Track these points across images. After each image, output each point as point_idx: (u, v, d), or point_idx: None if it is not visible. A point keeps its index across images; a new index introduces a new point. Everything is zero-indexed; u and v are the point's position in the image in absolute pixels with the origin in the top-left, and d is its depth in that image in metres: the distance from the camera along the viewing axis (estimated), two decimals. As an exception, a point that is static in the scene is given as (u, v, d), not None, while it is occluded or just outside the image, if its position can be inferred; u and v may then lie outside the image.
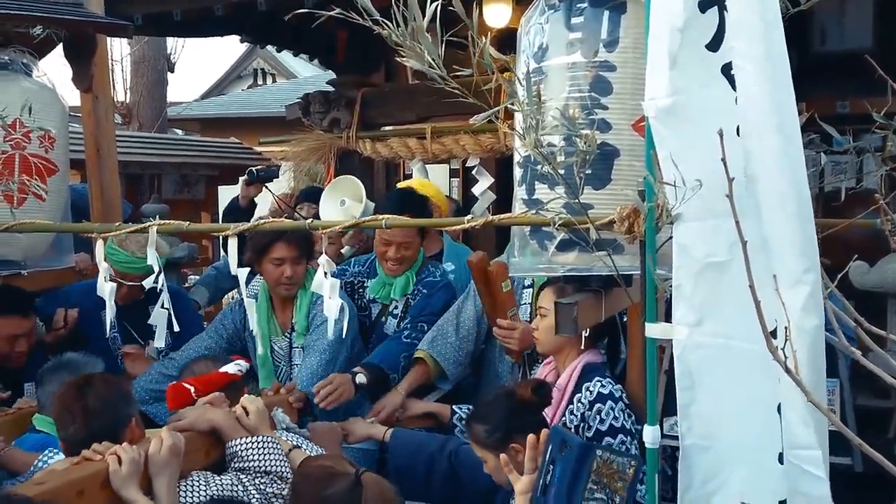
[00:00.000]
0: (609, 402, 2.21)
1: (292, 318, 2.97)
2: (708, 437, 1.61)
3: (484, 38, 1.57)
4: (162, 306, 2.43)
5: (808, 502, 1.41)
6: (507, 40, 2.15)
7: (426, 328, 2.91)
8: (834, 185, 2.27)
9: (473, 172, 4.53)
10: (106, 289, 2.35)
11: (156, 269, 2.31)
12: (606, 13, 1.85)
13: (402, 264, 3.05)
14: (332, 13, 1.61)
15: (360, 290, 3.16)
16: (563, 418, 2.29)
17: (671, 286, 1.57)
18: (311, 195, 4.24)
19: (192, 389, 2.21)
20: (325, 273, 2.18)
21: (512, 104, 1.68)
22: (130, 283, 2.97)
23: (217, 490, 1.90)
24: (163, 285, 2.34)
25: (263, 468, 1.99)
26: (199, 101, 17.43)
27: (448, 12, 1.58)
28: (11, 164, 2.83)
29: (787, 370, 1.19)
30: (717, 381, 1.58)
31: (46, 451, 2.13)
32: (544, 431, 1.86)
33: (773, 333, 1.29)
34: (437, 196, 3.73)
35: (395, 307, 3.11)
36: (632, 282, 1.84)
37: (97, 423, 1.91)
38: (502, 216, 2.02)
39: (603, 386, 2.25)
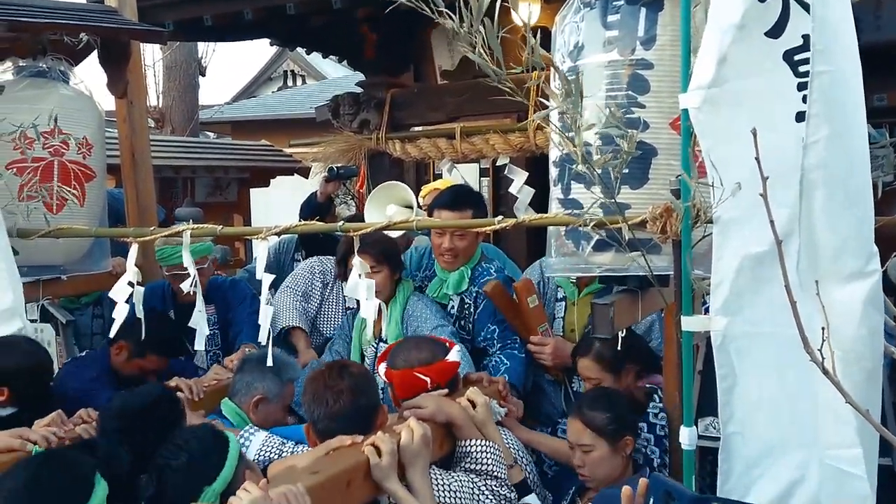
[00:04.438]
0: None
1: (382, 327, 2.89)
2: (750, 426, 1.59)
3: (534, 36, 1.56)
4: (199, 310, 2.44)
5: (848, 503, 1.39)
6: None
7: (505, 332, 2.82)
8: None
9: (505, 172, 4.51)
10: (128, 290, 2.39)
11: (192, 272, 2.34)
12: (643, 11, 1.83)
13: (456, 257, 2.93)
14: (389, 9, 1.60)
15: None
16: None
17: (708, 286, 1.55)
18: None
19: (429, 381, 2.16)
20: (360, 275, 2.19)
21: (546, 100, 1.67)
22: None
23: (458, 487, 1.91)
24: (196, 286, 2.37)
25: (494, 473, 1.98)
26: (230, 103, 17.63)
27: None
28: (50, 170, 2.89)
29: (825, 372, 1.17)
30: (760, 368, 1.56)
31: (247, 427, 2.22)
32: (643, 482, 1.62)
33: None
34: None
35: (452, 306, 2.99)
36: (668, 282, 1.81)
37: (360, 402, 1.93)
38: (532, 217, 2.01)
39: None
